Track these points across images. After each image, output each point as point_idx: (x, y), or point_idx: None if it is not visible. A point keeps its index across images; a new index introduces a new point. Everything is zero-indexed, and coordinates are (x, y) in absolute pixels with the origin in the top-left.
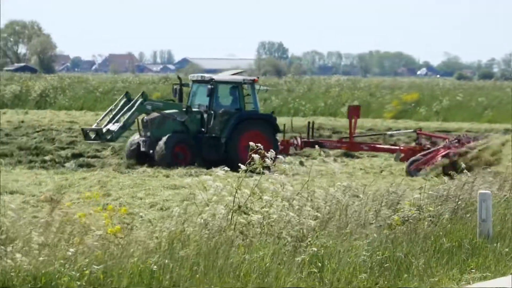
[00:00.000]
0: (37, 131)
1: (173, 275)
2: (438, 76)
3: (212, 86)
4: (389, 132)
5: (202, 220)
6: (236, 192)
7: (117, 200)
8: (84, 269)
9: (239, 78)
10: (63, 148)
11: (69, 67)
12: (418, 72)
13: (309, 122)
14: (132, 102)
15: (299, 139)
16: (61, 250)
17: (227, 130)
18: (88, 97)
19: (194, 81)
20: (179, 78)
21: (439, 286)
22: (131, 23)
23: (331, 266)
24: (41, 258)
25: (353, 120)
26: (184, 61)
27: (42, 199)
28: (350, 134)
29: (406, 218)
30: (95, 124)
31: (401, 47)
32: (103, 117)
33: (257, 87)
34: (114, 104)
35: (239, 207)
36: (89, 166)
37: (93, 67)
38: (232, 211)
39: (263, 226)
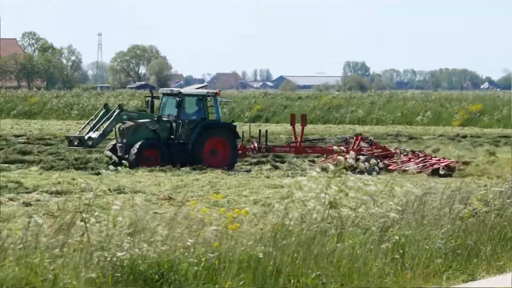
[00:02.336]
0: None
1: (276, 261)
2: (498, 89)
3: (180, 99)
4: (328, 138)
5: (299, 214)
6: (327, 189)
7: (226, 197)
8: (201, 256)
9: (203, 91)
10: None
11: (182, 84)
12: (481, 86)
13: (260, 130)
14: (110, 113)
15: (256, 144)
16: (181, 241)
17: (193, 137)
18: None
19: (164, 94)
20: (151, 91)
21: (503, 269)
22: (236, 45)
23: (411, 253)
24: (164, 248)
25: (299, 127)
26: (281, 79)
27: (161, 197)
28: (299, 139)
29: (475, 211)
30: (78, 132)
31: (466, 64)
32: (84, 126)
33: (219, 99)
34: (94, 114)
35: (330, 202)
36: (201, 169)
37: (203, 84)
38: (324, 206)
39: (353, 219)
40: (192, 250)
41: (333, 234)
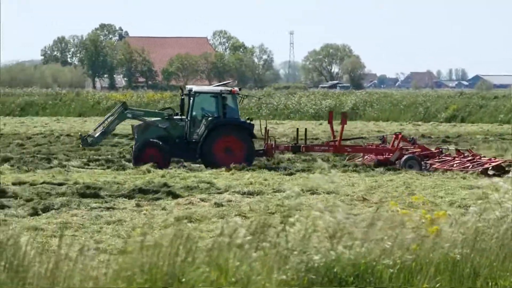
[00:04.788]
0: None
1: (474, 263)
2: None
3: (184, 97)
4: (368, 136)
5: (497, 216)
6: None
7: (421, 199)
8: (397, 259)
9: (217, 89)
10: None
11: (376, 84)
12: None
13: (297, 129)
14: (113, 111)
15: (274, 142)
16: (379, 243)
17: (202, 135)
18: (393, 109)
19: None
20: (181, 89)
21: None
22: (431, 43)
23: None
24: (360, 249)
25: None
26: (476, 78)
27: (356, 198)
28: (337, 137)
29: None
30: (93, 129)
31: None
32: (100, 124)
33: (238, 97)
34: (111, 112)
35: None
36: (395, 169)
37: (397, 84)
38: None
39: None
40: (389, 252)
41: None
